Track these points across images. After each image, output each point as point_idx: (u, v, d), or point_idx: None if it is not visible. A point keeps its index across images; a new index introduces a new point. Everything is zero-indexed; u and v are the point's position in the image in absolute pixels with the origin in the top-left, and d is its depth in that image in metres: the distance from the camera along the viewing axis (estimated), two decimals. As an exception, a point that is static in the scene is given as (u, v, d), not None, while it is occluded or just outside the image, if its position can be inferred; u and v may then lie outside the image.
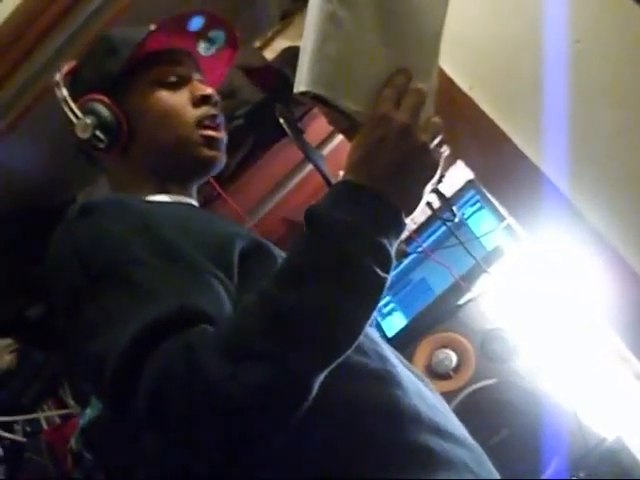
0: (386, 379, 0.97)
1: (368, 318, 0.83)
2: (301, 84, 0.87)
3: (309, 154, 1.80)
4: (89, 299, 0.90)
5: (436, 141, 0.90)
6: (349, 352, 0.84)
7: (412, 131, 0.87)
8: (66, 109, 1.22)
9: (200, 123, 1.20)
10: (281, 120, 1.80)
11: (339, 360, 0.82)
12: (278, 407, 0.78)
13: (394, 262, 0.85)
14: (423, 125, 0.89)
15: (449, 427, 0.98)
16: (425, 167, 0.89)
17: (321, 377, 0.80)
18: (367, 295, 0.83)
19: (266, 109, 1.96)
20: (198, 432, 0.77)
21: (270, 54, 2.02)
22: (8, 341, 2.31)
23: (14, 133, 1.99)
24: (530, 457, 1.75)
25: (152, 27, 1.25)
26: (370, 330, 1.04)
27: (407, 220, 0.88)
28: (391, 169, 0.86)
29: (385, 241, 0.83)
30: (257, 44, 2.04)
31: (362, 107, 0.89)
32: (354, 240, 0.81)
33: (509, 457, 1.67)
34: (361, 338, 0.85)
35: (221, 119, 1.24)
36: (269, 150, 2.12)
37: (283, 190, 2.16)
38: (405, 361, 1.08)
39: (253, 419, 0.77)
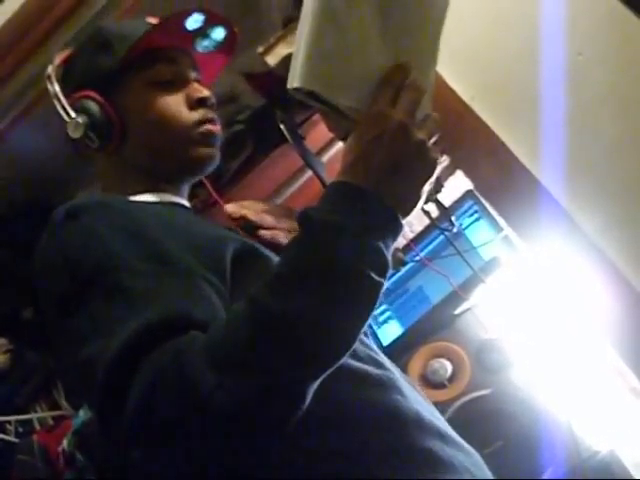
0: (387, 385, 0.96)
1: (363, 324, 0.81)
2: (294, 80, 0.83)
3: (309, 160, 1.80)
4: (78, 305, 0.88)
5: (434, 139, 0.88)
6: (348, 359, 0.83)
7: (408, 129, 0.83)
8: (57, 105, 1.19)
9: (198, 125, 1.17)
10: (281, 126, 1.80)
11: (333, 367, 0.79)
12: (269, 416, 0.77)
13: (390, 265, 0.82)
14: (420, 122, 0.86)
15: (449, 432, 0.99)
16: (422, 165, 0.85)
17: (315, 385, 0.78)
18: (362, 300, 0.80)
19: (267, 115, 1.96)
20: (187, 441, 0.75)
21: (272, 60, 2.02)
22: (2, 341, 2.31)
23: (23, 126, 1.99)
24: (524, 467, 1.75)
25: (150, 20, 1.22)
26: (364, 337, 1.03)
27: (405, 221, 0.85)
28: (387, 168, 0.83)
29: (381, 243, 0.80)
30: (260, 50, 2.05)
31: (358, 104, 0.87)
32: (347, 243, 0.78)
33: (503, 467, 1.67)
34: (357, 345, 0.83)
35: (218, 121, 1.21)
36: (269, 155, 2.12)
37: (282, 196, 2.16)
38: (397, 368, 1.07)
39: (243, 429, 0.76)
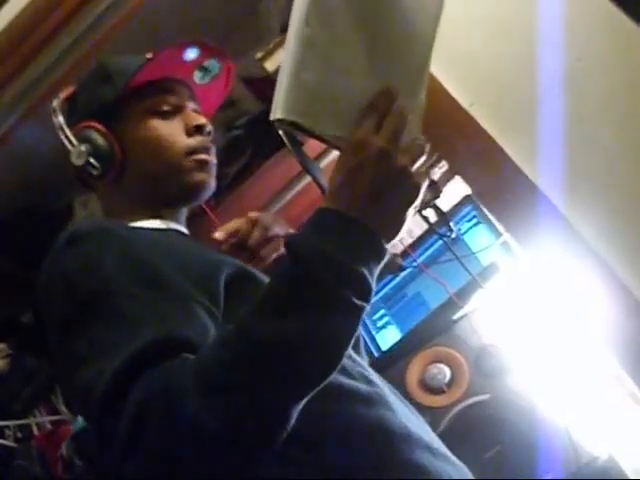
0: (376, 401, 0.98)
1: (346, 347, 0.82)
2: (277, 111, 0.85)
3: (307, 166, 1.80)
4: (76, 329, 0.90)
5: (419, 163, 0.88)
6: (338, 376, 0.84)
7: (391, 155, 0.85)
8: (62, 136, 1.24)
9: (191, 152, 1.21)
10: (280, 132, 1.80)
11: (317, 389, 0.81)
12: (254, 438, 0.79)
13: (374, 289, 0.84)
14: (405, 147, 0.87)
15: (436, 445, 1.01)
16: (405, 191, 0.87)
17: (300, 405, 0.80)
18: (344, 325, 0.82)
19: (265, 120, 1.96)
20: (177, 464, 0.77)
21: (271, 65, 2.03)
22: (1, 346, 2.31)
23: (24, 129, 1.99)
24: (523, 472, 1.75)
25: (149, 55, 1.26)
26: (353, 352, 1.04)
27: (389, 245, 0.87)
28: (370, 195, 0.85)
29: (364, 269, 0.82)
30: (258, 55, 2.05)
31: (344, 132, 0.87)
32: (331, 270, 0.80)
33: (502, 473, 1.68)
34: (346, 361, 0.84)
35: (213, 150, 1.25)
36: (267, 161, 2.12)
37: (280, 201, 2.17)
38: (386, 382, 1.09)
39: (231, 450, 0.78)
